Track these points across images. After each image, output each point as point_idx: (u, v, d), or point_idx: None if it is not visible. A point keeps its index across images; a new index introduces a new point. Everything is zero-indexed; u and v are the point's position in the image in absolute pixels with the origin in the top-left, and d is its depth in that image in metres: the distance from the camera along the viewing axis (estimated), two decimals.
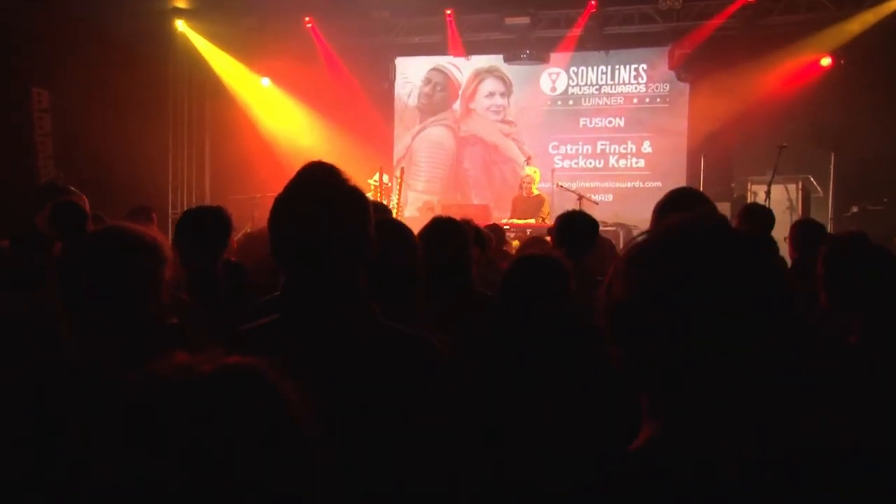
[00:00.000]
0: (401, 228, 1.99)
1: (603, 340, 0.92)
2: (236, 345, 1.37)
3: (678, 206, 2.12)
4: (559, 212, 4.59)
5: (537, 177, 8.74)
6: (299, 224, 1.40)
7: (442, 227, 2.72)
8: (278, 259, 1.44)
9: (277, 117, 11.44)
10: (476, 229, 3.46)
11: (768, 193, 7.98)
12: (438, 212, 8.99)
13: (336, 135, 10.91)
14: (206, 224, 2.95)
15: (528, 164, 9.68)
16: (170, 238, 2.94)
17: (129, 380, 0.76)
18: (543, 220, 8.50)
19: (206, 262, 2.85)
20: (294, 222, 1.40)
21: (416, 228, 2.26)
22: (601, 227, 4.04)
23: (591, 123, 11.17)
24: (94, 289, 1.57)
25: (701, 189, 8.30)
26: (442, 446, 1.38)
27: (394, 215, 5.41)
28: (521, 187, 9.16)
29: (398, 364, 1.38)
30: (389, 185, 9.82)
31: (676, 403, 0.87)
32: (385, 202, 8.72)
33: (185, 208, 10.95)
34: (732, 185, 9.79)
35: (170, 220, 10.96)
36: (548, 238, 4.95)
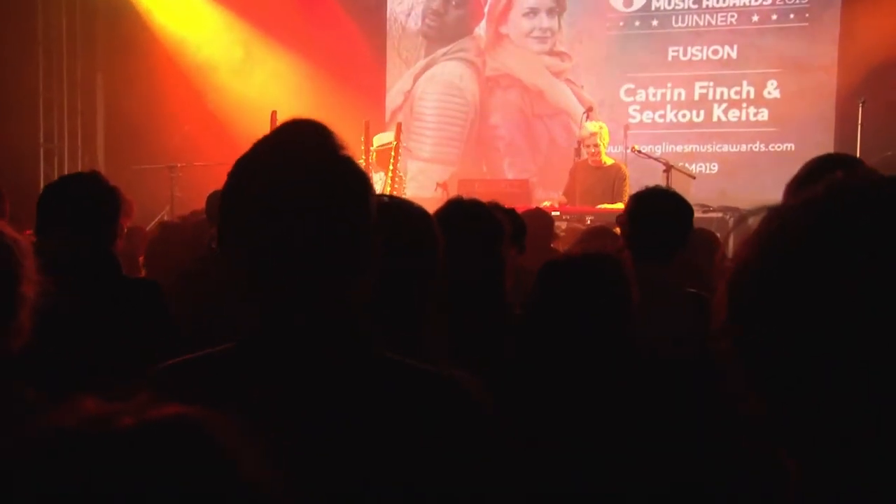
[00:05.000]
0: (403, 213, 1.98)
1: (686, 386, 0.91)
2: (165, 386, 1.44)
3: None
4: (635, 190, 4.58)
5: (606, 136, 8.66)
6: (276, 218, 1.43)
7: (460, 216, 2.74)
8: (238, 267, 1.48)
9: (209, 43, 11.49)
10: (512, 216, 3.48)
11: None
12: (454, 190, 9.07)
13: (299, 72, 10.95)
14: (79, 197, 3.08)
15: (588, 117, 9.60)
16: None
17: (21, 433, 0.79)
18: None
19: (82, 250, 2.99)
20: (267, 215, 1.44)
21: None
22: (701, 214, 4.02)
23: (685, 55, 11.18)
24: None
25: (858, 154, 8.25)
26: None
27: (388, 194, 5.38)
28: (578, 153, 9.09)
29: (416, 413, 1.46)
30: (390, 148, 9.78)
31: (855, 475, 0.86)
32: (372, 176, 8.74)
33: None
34: None
35: None
36: (617, 230, 4.96)
